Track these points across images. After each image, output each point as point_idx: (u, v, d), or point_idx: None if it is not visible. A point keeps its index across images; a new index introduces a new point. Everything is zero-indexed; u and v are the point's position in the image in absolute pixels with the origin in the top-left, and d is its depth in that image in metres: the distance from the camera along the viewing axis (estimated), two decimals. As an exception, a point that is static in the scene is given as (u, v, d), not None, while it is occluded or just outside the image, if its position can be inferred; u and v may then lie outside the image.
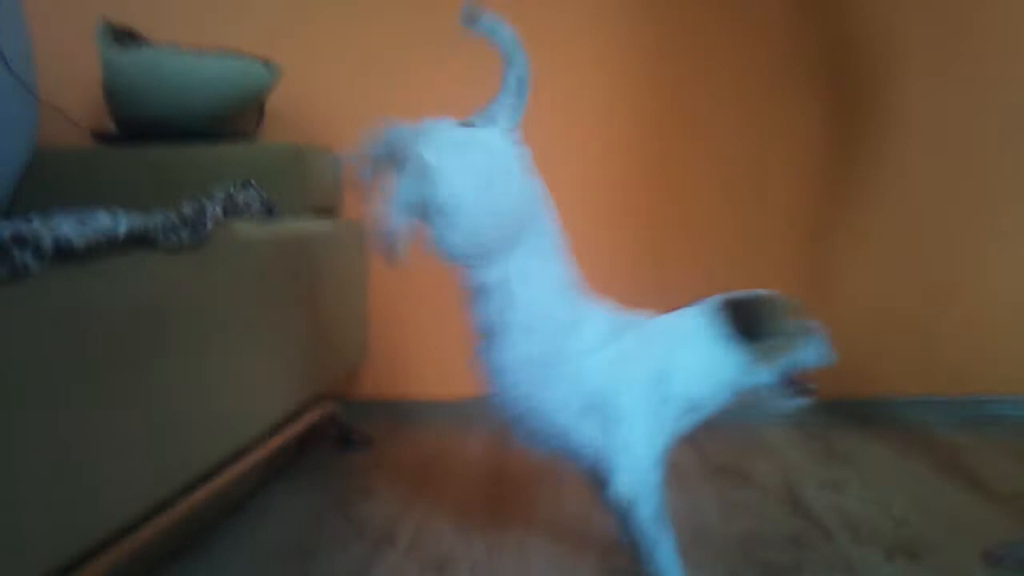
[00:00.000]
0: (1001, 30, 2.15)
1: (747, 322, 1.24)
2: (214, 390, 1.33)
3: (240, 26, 2.22)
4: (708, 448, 2.03)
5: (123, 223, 1.10)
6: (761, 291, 1.28)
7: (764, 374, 1.24)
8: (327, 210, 2.03)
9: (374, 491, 1.79)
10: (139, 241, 1.14)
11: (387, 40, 2.24)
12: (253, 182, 1.69)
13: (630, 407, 1.21)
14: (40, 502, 0.91)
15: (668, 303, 1.30)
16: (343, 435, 2.11)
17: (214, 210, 1.36)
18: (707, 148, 2.25)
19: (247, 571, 1.44)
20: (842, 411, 2.28)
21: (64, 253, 0.96)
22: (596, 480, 1.29)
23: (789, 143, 2.23)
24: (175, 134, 1.85)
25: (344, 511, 1.68)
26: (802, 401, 1.27)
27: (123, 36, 1.88)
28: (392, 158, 1.20)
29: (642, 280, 2.28)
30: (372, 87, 2.25)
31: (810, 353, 1.27)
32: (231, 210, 1.49)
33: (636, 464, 1.21)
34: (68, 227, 0.99)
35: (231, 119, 1.91)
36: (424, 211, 1.16)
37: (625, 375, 1.22)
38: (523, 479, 1.84)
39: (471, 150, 1.19)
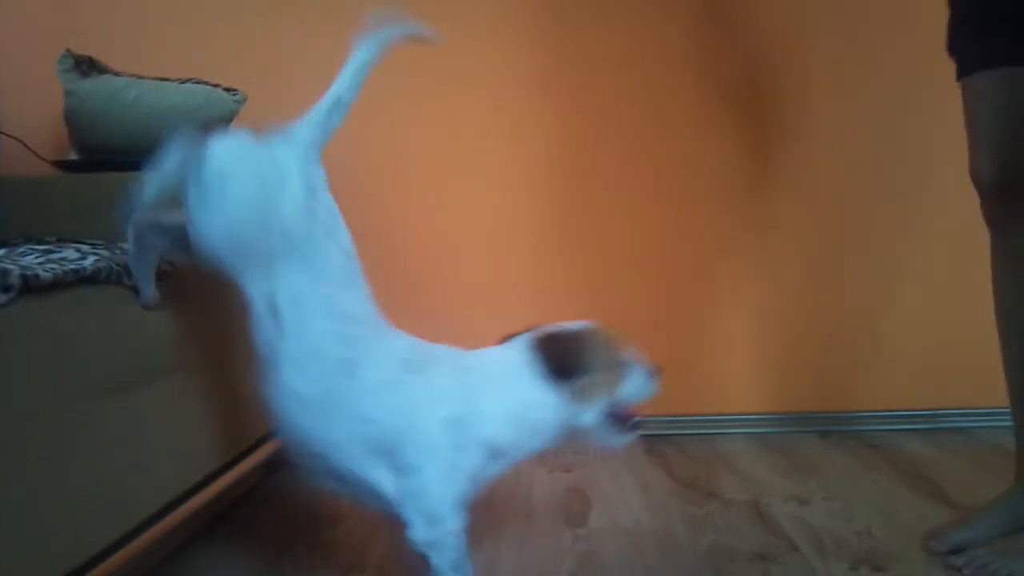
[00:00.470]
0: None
1: (562, 359, 1.18)
2: (185, 415, 1.33)
3: (203, 53, 2.21)
4: (675, 464, 2.05)
5: (90, 258, 1.10)
6: (576, 324, 1.24)
7: (584, 413, 1.20)
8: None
9: (342, 516, 1.79)
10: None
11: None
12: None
13: (423, 452, 1.14)
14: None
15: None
16: (311, 460, 2.10)
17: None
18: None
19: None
20: (805, 425, 2.32)
21: (32, 286, 0.96)
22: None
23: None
24: (138, 162, 1.84)
25: (313, 536, 1.68)
26: (629, 437, 1.25)
27: (84, 65, 1.87)
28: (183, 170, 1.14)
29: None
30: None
31: (631, 387, 1.23)
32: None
33: (431, 513, 1.14)
34: (34, 260, 0.99)
35: (195, 146, 1.91)
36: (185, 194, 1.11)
37: (418, 417, 1.15)
38: (492, 499, 1.84)
39: (250, 156, 1.16)
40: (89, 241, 1.43)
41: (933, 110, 2.14)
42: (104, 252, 1.20)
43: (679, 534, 1.63)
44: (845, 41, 2.23)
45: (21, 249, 1.26)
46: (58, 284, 1.01)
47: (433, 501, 1.14)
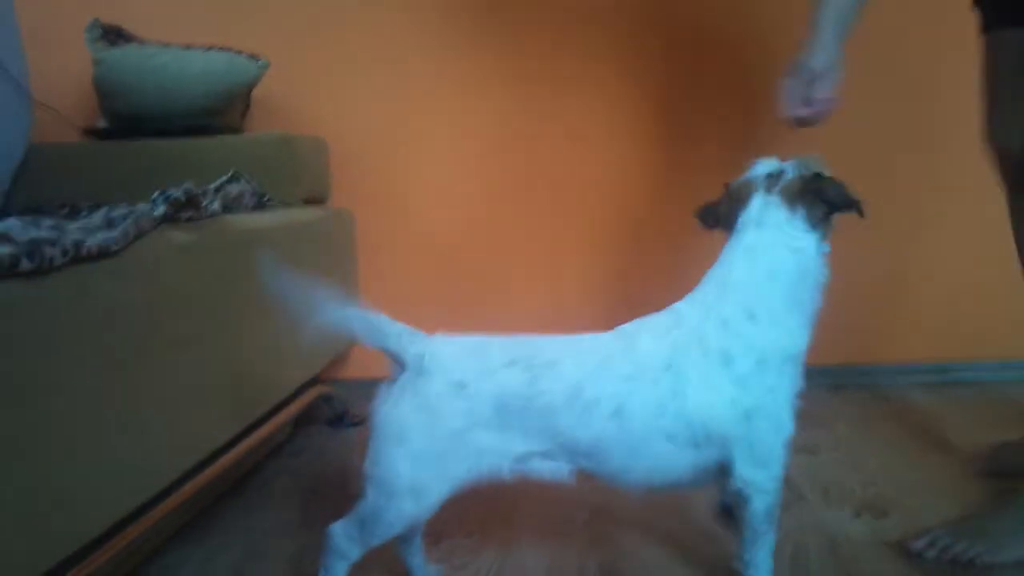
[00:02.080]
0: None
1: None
2: (211, 377, 1.38)
3: (226, 20, 2.25)
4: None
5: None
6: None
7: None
8: (317, 199, 2.08)
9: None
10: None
11: (374, 29, 2.28)
12: (243, 174, 1.74)
13: (782, 416, 1.23)
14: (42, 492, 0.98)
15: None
16: (337, 415, 2.17)
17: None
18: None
19: (247, 548, 1.49)
20: (817, 379, 2.35)
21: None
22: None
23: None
24: (165, 128, 1.90)
25: (342, 488, 1.73)
26: None
27: (112, 34, 1.92)
28: None
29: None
30: (359, 76, 2.30)
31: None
32: (226, 203, 1.56)
33: (772, 460, 1.18)
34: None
35: (219, 112, 1.95)
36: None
37: (774, 399, 1.24)
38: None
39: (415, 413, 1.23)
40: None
41: (955, 63, 2.14)
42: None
43: (690, 483, 1.68)
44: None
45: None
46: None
47: (779, 453, 1.19)
